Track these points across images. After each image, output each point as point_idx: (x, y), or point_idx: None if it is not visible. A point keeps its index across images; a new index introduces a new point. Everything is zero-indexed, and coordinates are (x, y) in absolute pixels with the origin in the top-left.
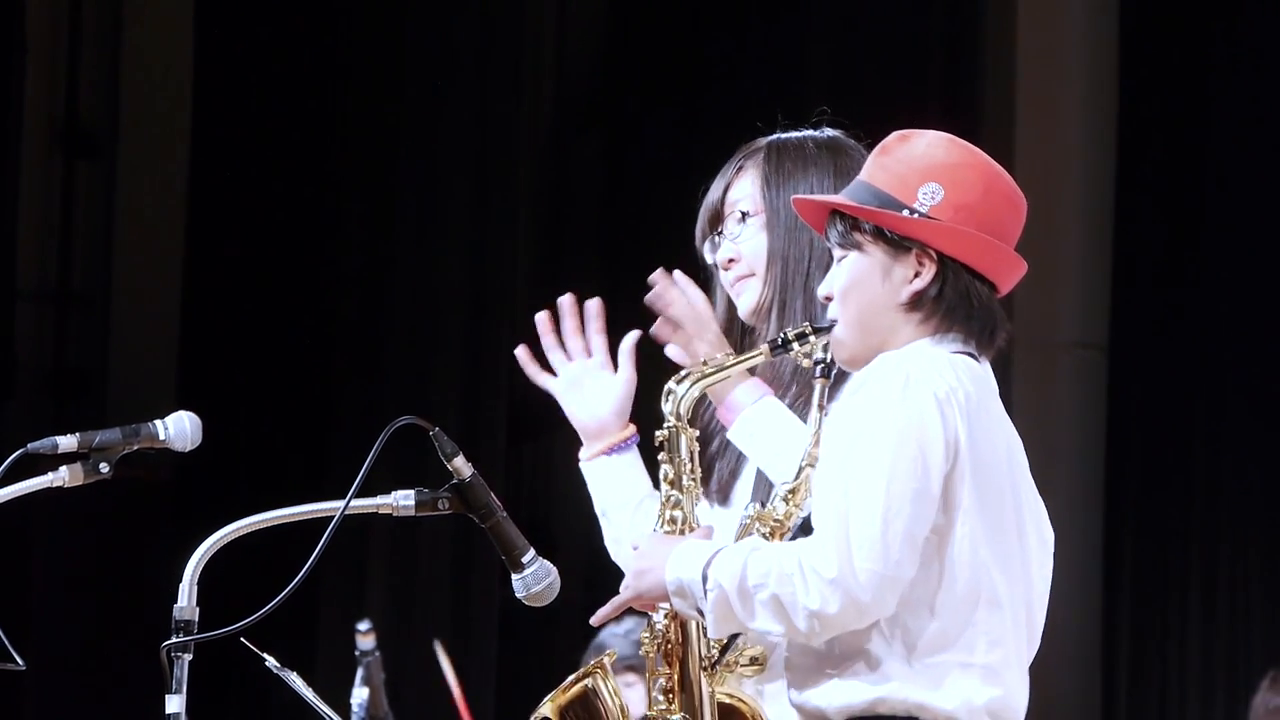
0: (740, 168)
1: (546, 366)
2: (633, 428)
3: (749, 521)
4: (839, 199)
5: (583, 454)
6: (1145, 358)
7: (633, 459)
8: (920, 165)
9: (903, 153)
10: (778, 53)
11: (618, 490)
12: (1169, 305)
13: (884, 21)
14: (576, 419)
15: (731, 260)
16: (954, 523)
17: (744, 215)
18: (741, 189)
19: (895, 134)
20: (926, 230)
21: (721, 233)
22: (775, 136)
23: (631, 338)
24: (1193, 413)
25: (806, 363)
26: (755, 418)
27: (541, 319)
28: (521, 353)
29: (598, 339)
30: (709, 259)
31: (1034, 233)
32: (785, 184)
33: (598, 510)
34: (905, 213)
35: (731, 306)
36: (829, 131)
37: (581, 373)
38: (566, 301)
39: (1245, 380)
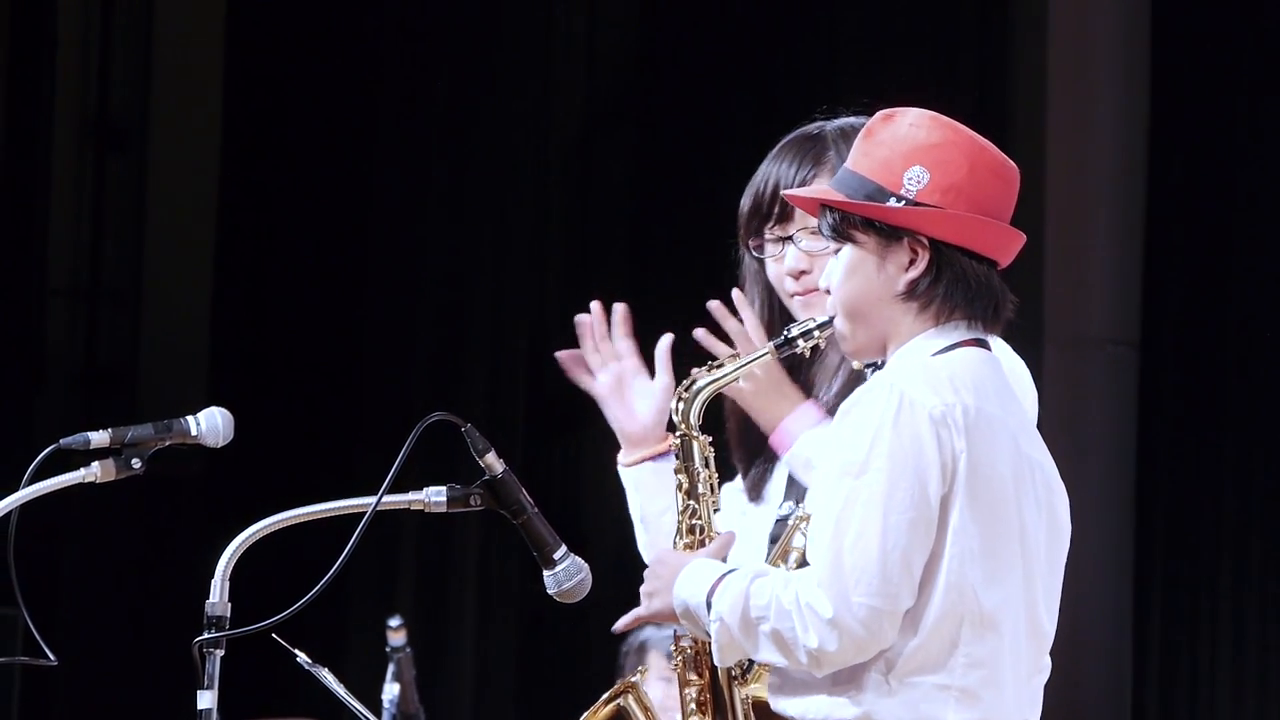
0: (813, 173)
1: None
2: (670, 437)
3: (795, 522)
4: (826, 193)
5: (623, 458)
6: (1177, 354)
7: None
8: (904, 149)
9: (886, 134)
10: (807, 52)
11: (659, 497)
12: (1201, 301)
13: (914, 21)
14: (619, 424)
15: (803, 272)
16: (945, 544)
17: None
18: None
19: (879, 114)
20: (916, 218)
21: (790, 238)
22: (836, 127)
23: (665, 341)
24: (1225, 409)
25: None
26: (811, 445)
27: (582, 321)
28: (564, 356)
29: (623, 343)
30: (765, 250)
31: (1065, 228)
32: None
33: (635, 516)
34: (893, 201)
35: (770, 296)
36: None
37: (623, 376)
38: (595, 309)
39: (1278, 376)
